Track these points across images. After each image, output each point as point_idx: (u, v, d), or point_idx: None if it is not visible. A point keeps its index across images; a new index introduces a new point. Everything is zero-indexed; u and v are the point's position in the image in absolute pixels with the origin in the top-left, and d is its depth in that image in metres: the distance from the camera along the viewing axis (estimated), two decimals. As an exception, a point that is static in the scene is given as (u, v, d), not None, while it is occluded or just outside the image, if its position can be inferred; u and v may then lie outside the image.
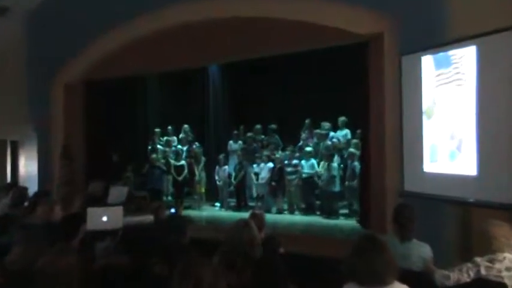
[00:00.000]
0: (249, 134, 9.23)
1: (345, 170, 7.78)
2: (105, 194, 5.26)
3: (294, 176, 8.20)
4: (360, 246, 2.07)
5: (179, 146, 9.65)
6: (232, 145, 9.32)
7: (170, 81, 10.13)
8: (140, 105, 10.35)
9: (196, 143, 9.76)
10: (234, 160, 9.08)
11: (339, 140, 8.36)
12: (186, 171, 9.01)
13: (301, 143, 8.78)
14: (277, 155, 8.61)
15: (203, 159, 9.26)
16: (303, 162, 8.20)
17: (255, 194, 8.66)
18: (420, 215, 3.21)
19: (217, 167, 9.02)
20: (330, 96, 8.49)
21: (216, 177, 8.96)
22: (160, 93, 10.48)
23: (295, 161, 8.26)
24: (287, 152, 8.44)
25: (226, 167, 8.97)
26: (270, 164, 8.51)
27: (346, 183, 7.68)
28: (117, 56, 7.80)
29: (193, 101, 10.44)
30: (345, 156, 7.95)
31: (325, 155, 7.97)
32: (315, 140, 8.66)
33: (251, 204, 8.75)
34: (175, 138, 9.97)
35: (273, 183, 8.40)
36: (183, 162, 9.11)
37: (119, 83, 8.53)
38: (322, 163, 8.03)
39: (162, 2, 7.20)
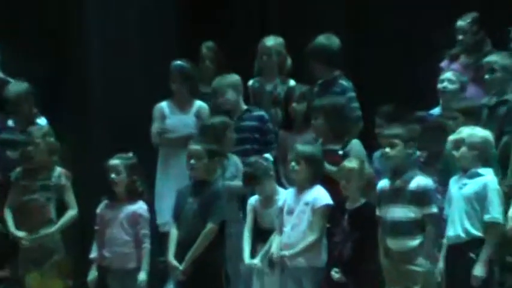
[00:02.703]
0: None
1: None
2: None
3: (417, 240, 7.37)
4: None
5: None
6: (177, 126, 8.73)
7: None
8: None
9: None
10: (177, 178, 8.47)
11: None
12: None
13: (439, 108, 8.39)
14: (350, 162, 7.97)
15: (60, 173, 8.55)
16: (453, 184, 7.13)
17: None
18: None
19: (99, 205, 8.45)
20: None
21: (92, 253, 8.23)
22: None
23: (420, 181, 7.12)
24: (399, 153, 7.58)
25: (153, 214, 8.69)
26: (322, 196, 7.71)
27: None
28: None
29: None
30: None
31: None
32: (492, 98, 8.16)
33: None
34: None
35: (334, 272, 7.50)
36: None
37: None
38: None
39: None
